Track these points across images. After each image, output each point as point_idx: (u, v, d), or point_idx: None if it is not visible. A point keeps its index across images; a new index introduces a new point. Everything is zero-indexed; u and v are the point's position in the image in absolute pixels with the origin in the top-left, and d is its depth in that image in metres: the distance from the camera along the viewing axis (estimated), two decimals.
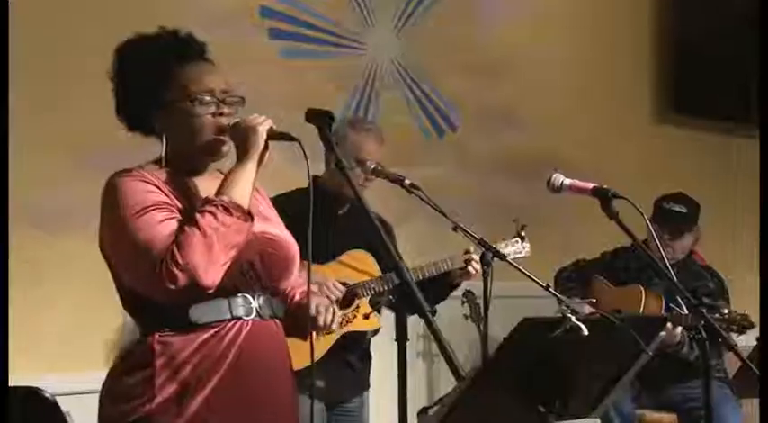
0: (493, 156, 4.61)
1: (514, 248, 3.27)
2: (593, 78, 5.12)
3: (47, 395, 2.60)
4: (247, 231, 1.90)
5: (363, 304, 3.10)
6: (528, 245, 3.31)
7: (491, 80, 4.69)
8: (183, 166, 2.01)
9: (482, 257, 2.95)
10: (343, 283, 3.01)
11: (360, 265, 3.09)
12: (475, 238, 2.79)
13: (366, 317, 3.07)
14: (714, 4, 5.59)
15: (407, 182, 2.70)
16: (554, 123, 4.91)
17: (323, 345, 3.01)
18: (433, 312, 1.65)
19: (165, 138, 1.99)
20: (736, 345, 2.54)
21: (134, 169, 1.96)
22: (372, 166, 2.91)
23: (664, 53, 5.54)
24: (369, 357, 3.28)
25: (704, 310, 2.48)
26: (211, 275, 1.83)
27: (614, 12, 5.30)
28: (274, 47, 3.98)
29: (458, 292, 4.01)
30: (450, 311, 3.45)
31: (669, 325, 3.57)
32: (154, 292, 1.85)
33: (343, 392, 3.17)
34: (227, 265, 1.86)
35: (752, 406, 4.20)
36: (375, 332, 3.18)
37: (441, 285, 3.19)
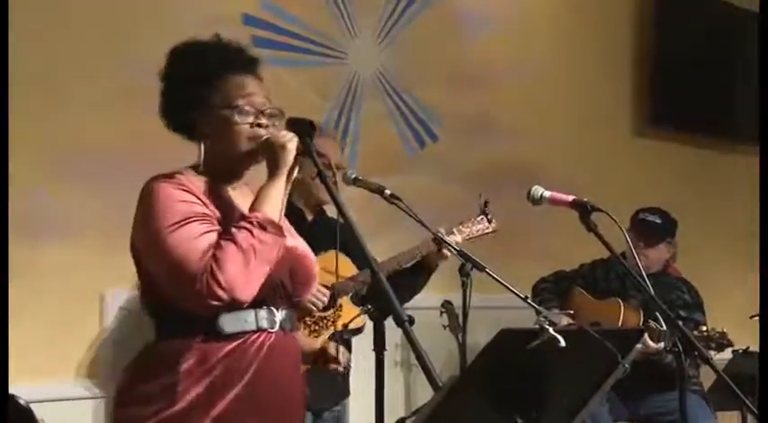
0: (473, 167, 4.62)
1: (481, 226, 3.26)
2: (573, 91, 5.15)
3: (21, 401, 2.58)
4: (281, 247, 1.93)
5: (345, 303, 3.10)
6: (494, 220, 3.29)
7: (472, 92, 4.70)
8: (218, 173, 2.03)
9: (461, 268, 2.95)
10: (324, 286, 3.01)
11: (328, 266, 3.10)
12: (455, 248, 2.79)
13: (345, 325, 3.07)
14: (692, 19, 5.64)
15: (388, 192, 2.70)
16: (535, 135, 4.93)
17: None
18: (411, 322, 1.65)
19: (202, 143, 2.02)
20: (711, 358, 2.55)
21: (174, 174, 1.97)
22: (353, 176, 2.92)
23: (643, 66, 5.58)
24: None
25: (680, 323, 2.49)
26: (249, 292, 1.86)
27: (594, 25, 5.34)
28: (257, 55, 3.96)
29: (436, 302, 4.02)
30: (428, 321, 3.45)
31: (648, 341, 3.58)
32: (193, 306, 1.86)
33: (326, 398, 3.17)
34: (263, 280, 1.89)
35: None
36: (357, 332, 3.18)
37: (420, 271, 3.22)
